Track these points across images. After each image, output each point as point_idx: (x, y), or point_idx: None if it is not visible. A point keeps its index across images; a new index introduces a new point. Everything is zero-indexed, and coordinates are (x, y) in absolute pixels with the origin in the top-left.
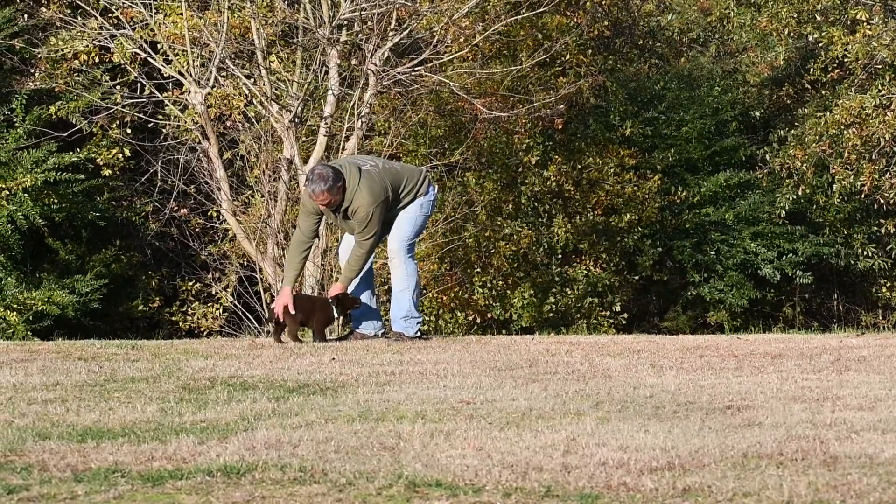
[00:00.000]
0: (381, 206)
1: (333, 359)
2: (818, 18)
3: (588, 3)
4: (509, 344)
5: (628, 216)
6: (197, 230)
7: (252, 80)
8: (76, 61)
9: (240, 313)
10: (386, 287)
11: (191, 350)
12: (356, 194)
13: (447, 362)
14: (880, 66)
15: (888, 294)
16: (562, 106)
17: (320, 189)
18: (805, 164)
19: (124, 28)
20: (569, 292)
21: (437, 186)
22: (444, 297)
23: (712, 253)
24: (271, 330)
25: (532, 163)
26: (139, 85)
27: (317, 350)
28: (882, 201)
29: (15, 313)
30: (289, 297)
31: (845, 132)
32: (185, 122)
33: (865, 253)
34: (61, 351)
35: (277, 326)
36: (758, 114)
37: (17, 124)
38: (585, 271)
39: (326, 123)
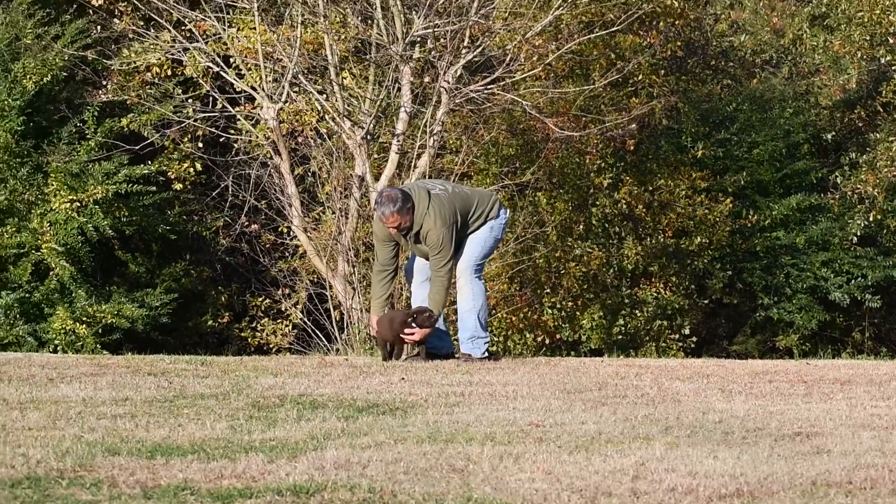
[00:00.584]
0: (451, 228)
1: (403, 378)
2: (891, 41)
3: (661, 23)
4: (578, 366)
5: (699, 239)
6: (267, 246)
7: (324, 95)
8: (148, 74)
9: (309, 330)
10: (455, 307)
11: (260, 367)
12: (426, 218)
13: (516, 384)
14: None
15: None
16: (633, 126)
17: (389, 211)
18: (876, 189)
19: (197, 41)
20: (638, 314)
21: (507, 210)
22: (514, 318)
23: (782, 276)
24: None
25: (604, 185)
26: (211, 99)
27: (386, 369)
28: None
29: (84, 326)
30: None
31: None
32: (257, 138)
33: None
34: (131, 366)
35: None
36: (829, 136)
37: (88, 136)
38: (655, 293)
39: (398, 141)
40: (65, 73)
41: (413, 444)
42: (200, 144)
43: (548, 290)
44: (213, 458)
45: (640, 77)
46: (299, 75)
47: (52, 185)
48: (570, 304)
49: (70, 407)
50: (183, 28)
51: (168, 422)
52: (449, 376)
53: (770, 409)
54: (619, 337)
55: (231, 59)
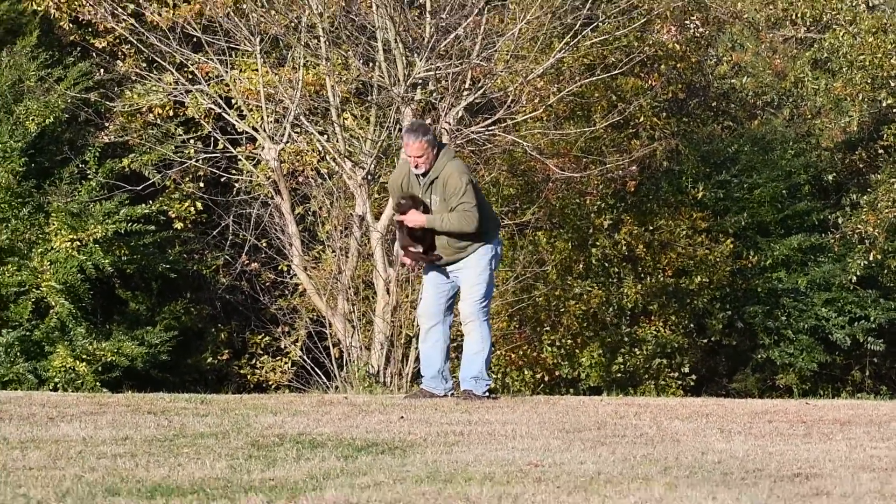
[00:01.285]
0: (472, 181)
1: (402, 417)
2: (892, 84)
3: (663, 66)
4: (577, 405)
5: (699, 278)
6: (267, 284)
7: (325, 136)
8: (150, 115)
9: (308, 368)
10: (455, 344)
11: (260, 406)
12: (447, 166)
13: (515, 423)
14: None
15: None
16: (634, 168)
17: (417, 138)
18: (877, 230)
19: (199, 83)
20: (637, 353)
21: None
22: (513, 355)
23: (783, 318)
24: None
25: (604, 226)
26: (213, 139)
27: (385, 408)
28: None
29: (84, 364)
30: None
31: None
32: (258, 177)
33: None
34: (131, 404)
35: None
36: (830, 177)
37: (90, 176)
38: (655, 332)
39: None
40: (67, 115)
41: (412, 484)
42: (201, 184)
43: (547, 328)
44: (212, 499)
45: (642, 119)
46: (301, 116)
47: (53, 224)
48: (569, 341)
49: (70, 446)
50: (185, 70)
51: (168, 461)
52: (448, 415)
53: (769, 450)
54: (619, 375)
55: (233, 101)
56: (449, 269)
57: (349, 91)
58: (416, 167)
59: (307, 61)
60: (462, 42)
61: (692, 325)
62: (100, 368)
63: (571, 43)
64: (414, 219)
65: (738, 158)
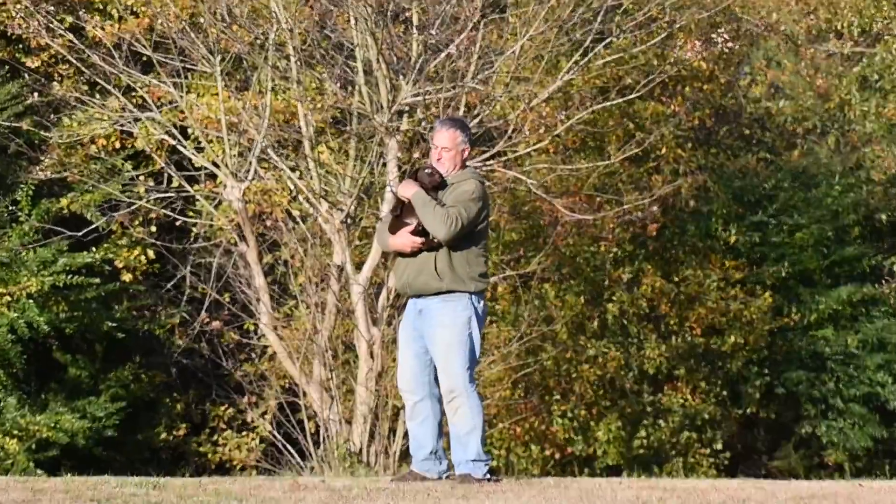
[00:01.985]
0: (484, 205)
1: None
2: None
3: (687, 88)
4: (593, 489)
5: (732, 338)
6: (231, 346)
7: (298, 173)
8: (93, 147)
9: (279, 445)
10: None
11: (223, 491)
12: (469, 180)
13: None
14: None
15: None
16: (656, 208)
17: (448, 128)
18: None
19: (150, 110)
20: (662, 425)
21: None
22: (518, 429)
23: (831, 384)
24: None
25: (623, 279)
26: (166, 176)
27: (370, 494)
28: None
29: (15, 441)
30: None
31: None
32: (219, 221)
33: None
34: (70, 490)
35: None
36: (884, 216)
37: (21, 219)
38: (682, 401)
39: None
40: None
41: None
42: (153, 229)
43: (557, 397)
44: None
45: (664, 151)
46: (269, 149)
47: None
48: (583, 412)
49: None
50: (134, 94)
51: None
52: (443, 502)
53: None
54: (641, 451)
55: (189, 131)
56: (421, 326)
57: (325, 120)
58: (438, 159)
59: (276, 85)
60: (455, 62)
61: (725, 394)
62: (34, 446)
63: (581, 62)
64: (408, 185)
65: (776, 196)
